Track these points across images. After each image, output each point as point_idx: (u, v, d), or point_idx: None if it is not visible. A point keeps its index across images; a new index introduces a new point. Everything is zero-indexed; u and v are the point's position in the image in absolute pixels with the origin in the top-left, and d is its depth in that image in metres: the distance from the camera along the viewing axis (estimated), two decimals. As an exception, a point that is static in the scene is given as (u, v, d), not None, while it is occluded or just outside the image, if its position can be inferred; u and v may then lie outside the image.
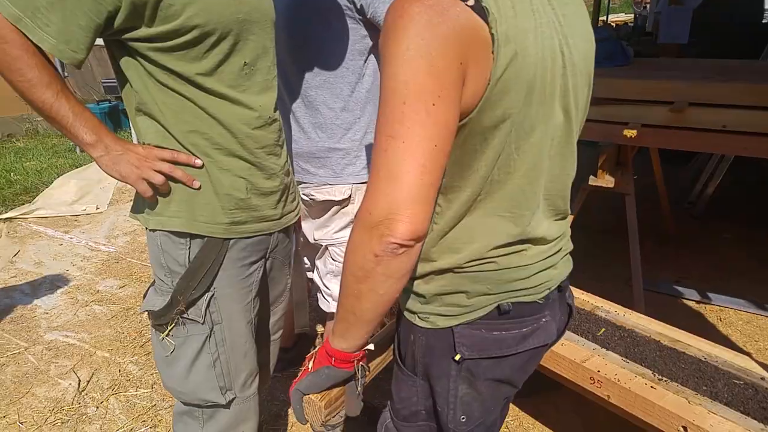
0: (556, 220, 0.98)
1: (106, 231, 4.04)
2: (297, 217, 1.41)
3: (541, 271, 0.94)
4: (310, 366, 0.99)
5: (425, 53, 0.69)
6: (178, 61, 1.03)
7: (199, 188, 1.15)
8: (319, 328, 2.75)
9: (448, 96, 0.71)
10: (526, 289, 0.93)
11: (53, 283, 3.28)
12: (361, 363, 0.97)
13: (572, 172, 0.97)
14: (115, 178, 1.10)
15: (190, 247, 1.19)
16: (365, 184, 1.75)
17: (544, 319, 0.96)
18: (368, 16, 1.52)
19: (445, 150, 0.73)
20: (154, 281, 1.28)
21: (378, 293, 0.79)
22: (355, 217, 0.79)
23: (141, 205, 1.20)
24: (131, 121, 1.15)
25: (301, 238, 1.97)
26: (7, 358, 2.58)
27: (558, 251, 0.99)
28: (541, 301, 0.95)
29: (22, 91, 0.98)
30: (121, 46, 1.04)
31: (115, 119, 6.76)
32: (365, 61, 1.63)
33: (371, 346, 0.96)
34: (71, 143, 5.85)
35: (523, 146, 0.82)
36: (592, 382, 1.59)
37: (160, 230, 1.18)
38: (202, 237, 1.18)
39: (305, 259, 2.10)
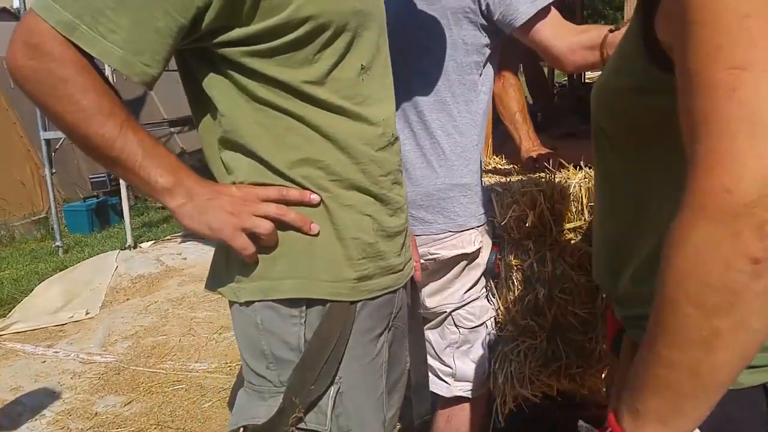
0: None
1: (100, 338, 3.43)
2: (413, 268, 1.14)
3: None
4: None
5: None
6: (281, 68, 0.87)
7: (317, 234, 0.92)
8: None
9: None
10: None
11: (36, 410, 2.64)
12: None
13: None
14: (201, 233, 0.87)
15: (305, 321, 0.93)
16: (486, 227, 1.56)
17: None
18: (495, 18, 1.37)
19: None
20: (244, 381, 1.00)
21: (751, 329, 0.48)
22: (688, 206, 0.47)
23: (224, 270, 0.96)
24: (210, 161, 0.95)
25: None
26: None
27: None
28: None
29: (74, 124, 0.79)
30: (203, 57, 0.88)
31: (104, 216, 6.27)
32: (481, 75, 1.47)
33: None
34: (53, 245, 5.24)
35: None
36: None
37: (260, 301, 0.93)
38: (323, 303, 0.93)
39: None
